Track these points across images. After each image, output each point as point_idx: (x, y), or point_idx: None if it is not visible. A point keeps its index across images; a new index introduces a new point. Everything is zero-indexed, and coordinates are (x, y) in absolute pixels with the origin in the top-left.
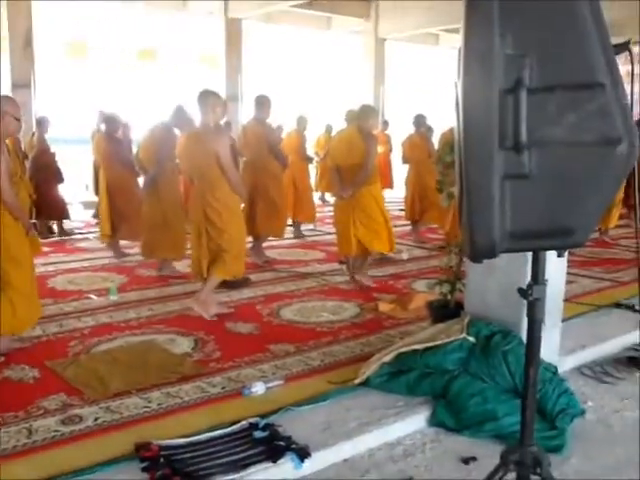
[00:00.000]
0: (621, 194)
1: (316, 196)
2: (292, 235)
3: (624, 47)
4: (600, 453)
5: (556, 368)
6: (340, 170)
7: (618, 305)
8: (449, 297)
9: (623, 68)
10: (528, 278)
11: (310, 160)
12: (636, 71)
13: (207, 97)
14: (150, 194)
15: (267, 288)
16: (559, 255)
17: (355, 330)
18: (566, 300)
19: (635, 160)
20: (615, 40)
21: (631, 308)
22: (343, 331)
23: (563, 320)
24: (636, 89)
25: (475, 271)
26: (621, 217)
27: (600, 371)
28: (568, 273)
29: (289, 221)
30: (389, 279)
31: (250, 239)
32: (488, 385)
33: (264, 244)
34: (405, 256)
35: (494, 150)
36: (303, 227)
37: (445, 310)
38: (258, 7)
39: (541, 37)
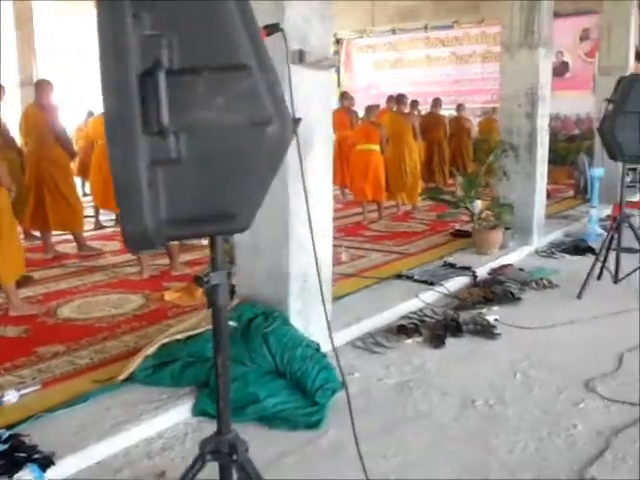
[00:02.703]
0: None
1: None
2: (92, 227)
3: (275, 28)
4: (357, 423)
5: (319, 345)
6: None
7: (399, 276)
8: None
9: (445, 49)
10: (291, 257)
11: None
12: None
13: None
14: None
15: (50, 285)
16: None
17: (135, 323)
18: (353, 275)
19: (289, 140)
20: (406, 25)
21: (410, 278)
22: (122, 325)
23: (346, 294)
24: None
25: (242, 253)
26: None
27: (372, 342)
28: (360, 248)
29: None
30: (185, 266)
31: (37, 233)
32: (250, 368)
33: (56, 238)
34: (205, 241)
35: (137, 136)
36: (104, 217)
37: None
38: None
39: (181, 17)
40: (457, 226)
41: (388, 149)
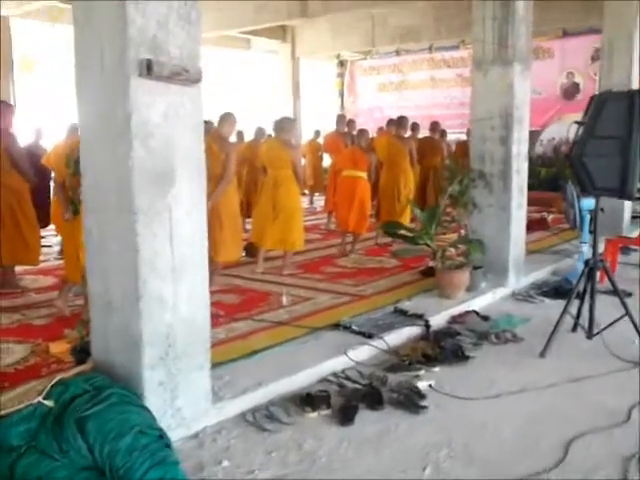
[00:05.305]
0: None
1: None
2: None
3: None
4: None
5: (161, 431)
6: None
7: (337, 325)
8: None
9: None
10: (144, 318)
11: None
12: None
13: None
14: None
15: None
16: None
17: None
18: (282, 323)
19: None
20: (408, 46)
21: (348, 328)
22: None
23: (262, 350)
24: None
25: (96, 308)
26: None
27: (265, 415)
28: (311, 288)
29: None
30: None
31: None
32: (61, 463)
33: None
34: None
35: None
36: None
37: (88, 355)
38: None
39: None
40: (431, 263)
41: (382, 174)
